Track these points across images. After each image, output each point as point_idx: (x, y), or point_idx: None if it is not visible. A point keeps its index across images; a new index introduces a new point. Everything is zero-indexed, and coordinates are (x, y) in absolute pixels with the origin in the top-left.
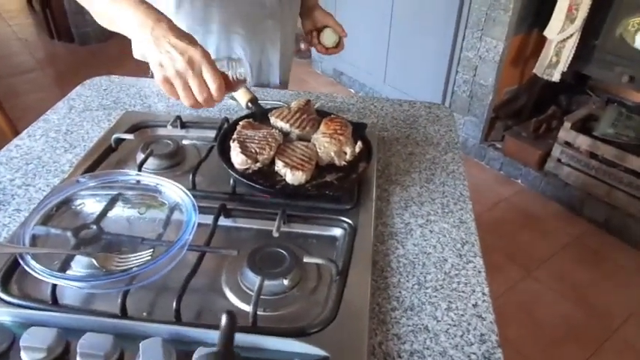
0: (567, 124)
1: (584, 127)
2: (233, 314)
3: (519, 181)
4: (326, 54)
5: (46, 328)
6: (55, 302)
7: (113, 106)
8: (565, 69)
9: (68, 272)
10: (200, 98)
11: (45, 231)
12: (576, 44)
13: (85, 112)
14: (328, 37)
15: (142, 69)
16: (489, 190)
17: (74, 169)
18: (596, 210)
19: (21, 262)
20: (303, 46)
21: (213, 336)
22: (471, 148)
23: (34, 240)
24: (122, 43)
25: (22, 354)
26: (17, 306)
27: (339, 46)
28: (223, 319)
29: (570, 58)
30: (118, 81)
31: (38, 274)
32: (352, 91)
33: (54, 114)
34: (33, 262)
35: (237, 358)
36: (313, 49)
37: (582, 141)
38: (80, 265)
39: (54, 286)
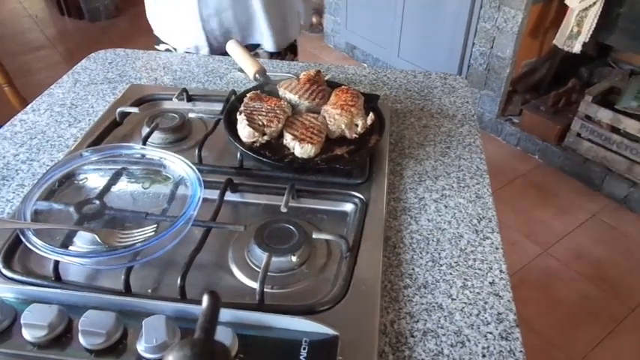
0: (588, 97)
1: (606, 100)
2: (216, 295)
3: (537, 156)
4: None
5: (47, 305)
6: (57, 279)
7: (118, 80)
8: (587, 39)
9: (70, 248)
10: None
11: (47, 206)
12: (599, 13)
13: (90, 85)
14: None
15: (151, 45)
16: (506, 165)
17: (78, 143)
18: (616, 186)
19: (22, 237)
20: (314, 19)
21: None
22: (487, 123)
23: (36, 215)
24: (132, 19)
25: (24, 331)
26: (19, 282)
27: None
28: (205, 301)
29: (592, 28)
30: (123, 54)
31: (39, 250)
32: (365, 65)
33: (59, 88)
34: (34, 238)
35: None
36: (326, 23)
37: (604, 115)
38: (83, 241)
39: (56, 262)
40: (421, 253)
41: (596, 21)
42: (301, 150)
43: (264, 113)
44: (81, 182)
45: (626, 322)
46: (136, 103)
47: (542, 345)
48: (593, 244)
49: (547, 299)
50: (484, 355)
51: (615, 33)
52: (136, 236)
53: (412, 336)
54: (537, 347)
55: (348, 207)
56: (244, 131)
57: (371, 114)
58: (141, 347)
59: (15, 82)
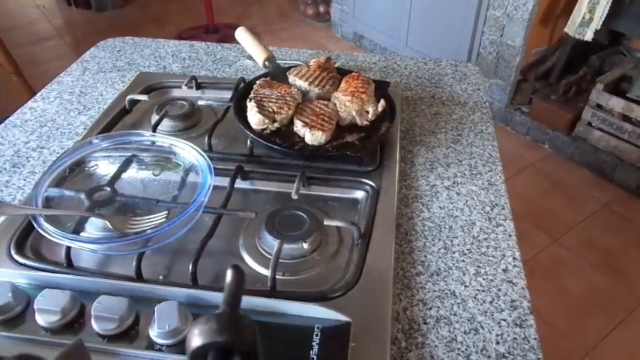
0: (599, 86)
1: (618, 88)
2: (240, 269)
3: (546, 146)
4: None
5: (60, 291)
6: (69, 265)
7: (127, 68)
8: (598, 27)
9: (82, 234)
10: None
11: (58, 193)
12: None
13: (99, 73)
14: None
15: (158, 35)
16: (515, 155)
17: (88, 131)
18: (628, 176)
19: (34, 223)
20: (322, 8)
21: None
22: (496, 113)
23: (48, 202)
24: (139, 8)
25: (37, 316)
26: (32, 268)
27: None
28: (228, 275)
29: (604, 15)
30: (132, 42)
31: (51, 235)
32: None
33: (68, 76)
34: (46, 224)
35: (246, 320)
36: (333, 12)
37: (615, 103)
38: (94, 227)
39: (68, 248)
40: (433, 241)
41: (608, 8)
42: (312, 137)
43: (274, 100)
44: (91, 169)
45: (636, 313)
46: (145, 91)
47: (552, 335)
48: (603, 234)
49: (557, 289)
50: (498, 342)
51: (627, 20)
52: (147, 222)
53: (425, 323)
54: (547, 337)
55: (359, 194)
56: (254, 118)
57: (382, 101)
58: (153, 333)
59: (23, 72)
